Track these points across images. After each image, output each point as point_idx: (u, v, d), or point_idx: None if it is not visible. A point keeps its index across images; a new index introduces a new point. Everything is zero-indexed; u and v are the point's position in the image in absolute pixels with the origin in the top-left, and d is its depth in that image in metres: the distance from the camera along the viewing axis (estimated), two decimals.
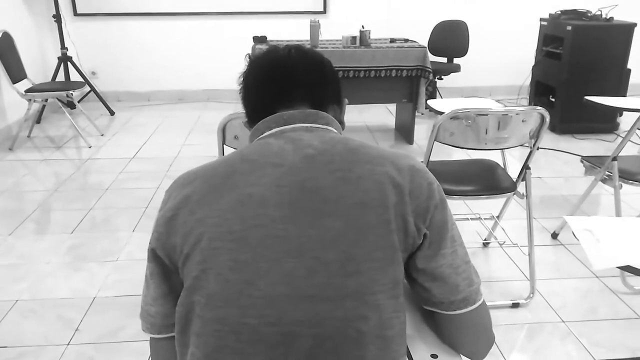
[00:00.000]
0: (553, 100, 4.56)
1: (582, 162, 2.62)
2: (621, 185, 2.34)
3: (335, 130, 0.92)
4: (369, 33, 3.97)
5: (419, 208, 0.82)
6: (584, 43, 4.25)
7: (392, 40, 4.24)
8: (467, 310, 0.86)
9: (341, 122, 0.98)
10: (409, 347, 0.87)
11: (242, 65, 0.97)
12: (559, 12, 4.54)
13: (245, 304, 0.75)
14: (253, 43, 4.26)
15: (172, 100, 5.73)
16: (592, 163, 2.52)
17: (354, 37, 3.95)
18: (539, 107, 2.05)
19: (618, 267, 1.18)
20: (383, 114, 5.24)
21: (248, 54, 0.97)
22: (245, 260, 0.76)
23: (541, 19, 4.70)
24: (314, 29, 3.93)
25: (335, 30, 4.74)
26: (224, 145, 2.06)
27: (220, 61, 5.52)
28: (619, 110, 3.49)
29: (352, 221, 0.77)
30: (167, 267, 0.84)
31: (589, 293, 2.28)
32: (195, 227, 0.79)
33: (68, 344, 1.98)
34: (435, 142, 2.09)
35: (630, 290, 2.24)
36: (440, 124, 2.02)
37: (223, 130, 2.00)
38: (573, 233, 1.34)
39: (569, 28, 4.24)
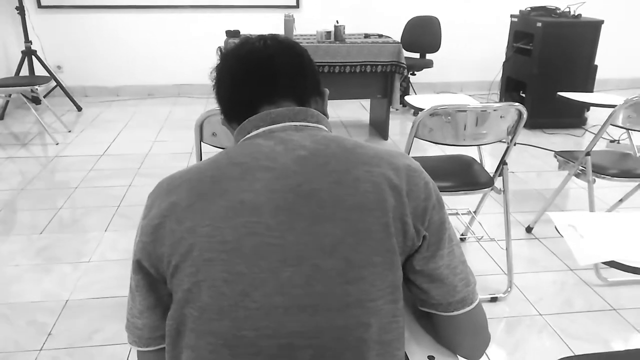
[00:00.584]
0: (523, 95, 4.64)
1: (555, 157, 2.67)
2: (594, 180, 2.38)
3: (326, 128, 0.88)
4: (344, 28, 3.95)
5: (417, 209, 0.80)
6: (554, 39, 4.33)
7: (367, 36, 4.23)
8: (465, 310, 0.85)
9: (324, 114, 0.93)
10: (406, 350, 0.85)
11: (214, 60, 0.92)
12: (529, 9, 4.61)
13: (241, 316, 0.72)
14: (226, 37, 4.20)
15: (142, 96, 5.60)
16: (566, 158, 2.56)
17: (329, 32, 3.93)
18: (516, 104, 2.07)
19: (603, 263, 1.20)
20: (357, 110, 5.23)
21: (219, 47, 0.92)
22: (240, 271, 0.72)
23: (511, 16, 4.77)
24: (288, 23, 3.89)
25: (308, 25, 4.70)
26: (202, 143, 2.01)
27: (191, 55, 5.42)
28: (589, 106, 3.56)
29: (350, 226, 0.75)
30: (153, 278, 0.80)
31: (564, 286, 2.32)
32: (184, 237, 0.75)
33: (41, 350, 1.91)
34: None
35: (604, 283, 2.28)
36: (420, 120, 2.02)
37: (200, 127, 1.95)
38: (556, 228, 1.35)
39: (539, 24, 4.31)
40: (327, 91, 0.95)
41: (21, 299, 2.20)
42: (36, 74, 5.01)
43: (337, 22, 4.00)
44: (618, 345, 1.97)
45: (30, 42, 4.93)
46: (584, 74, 4.44)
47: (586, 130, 4.53)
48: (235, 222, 0.74)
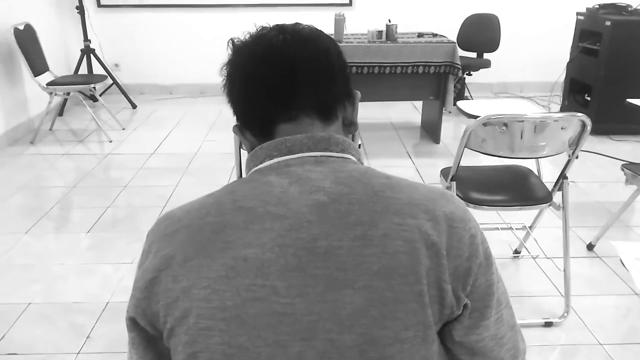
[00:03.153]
0: (589, 98, 4.35)
1: (622, 169, 2.45)
2: None
3: (353, 158, 0.74)
4: (396, 27, 3.82)
5: (458, 270, 0.66)
6: (624, 39, 4.02)
7: (420, 35, 4.08)
8: None
9: (353, 124, 0.79)
10: None
11: (221, 70, 0.82)
12: (597, 7, 4.31)
13: None
14: None
15: (194, 94, 5.66)
16: (634, 171, 2.35)
17: (380, 32, 3.81)
18: (579, 114, 1.89)
19: None
20: (409, 111, 5.08)
21: (231, 38, 0.79)
22: (241, 344, 0.62)
23: (578, 13, 4.47)
24: (339, 22, 3.80)
25: (361, 24, 4.59)
26: (241, 149, 1.96)
27: None
28: None
29: (375, 294, 0.62)
30: (150, 335, 0.71)
31: (629, 312, 2.12)
32: (180, 298, 0.65)
33: (78, 353, 1.92)
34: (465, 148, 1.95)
35: None
36: (471, 130, 1.89)
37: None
38: (622, 262, 1.21)
39: (608, 23, 4.02)
40: (358, 94, 0.80)
41: (63, 298, 2.23)
42: (94, 72, 5.16)
43: (389, 21, 3.87)
44: None
45: (89, 40, 5.07)
46: None
47: None
48: (237, 284, 0.63)
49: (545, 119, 1.90)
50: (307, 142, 0.72)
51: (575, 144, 1.97)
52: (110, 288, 2.30)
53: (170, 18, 5.40)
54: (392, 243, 0.63)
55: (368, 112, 4.86)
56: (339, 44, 0.75)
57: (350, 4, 5.27)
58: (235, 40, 0.78)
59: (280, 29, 0.75)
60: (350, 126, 0.78)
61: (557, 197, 2.12)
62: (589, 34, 4.30)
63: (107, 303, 2.20)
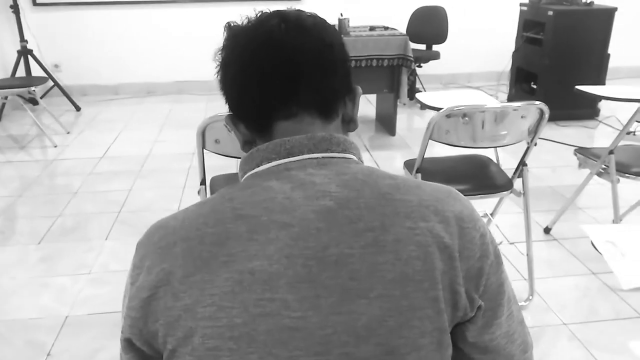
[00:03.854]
0: (535, 86, 4.50)
1: (575, 154, 2.55)
2: (619, 180, 2.26)
3: (355, 158, 0.70)
4: (348, 21, 3.82)
5: (470, 271, 0.64)
6: (566, 28, 4.18)
7: (372, 28, 4.10)
8: None
9: (352, 121, 0.75)
10: None
11: (215, 55, 0.77)
12: None
13: None
14: None
15: (141, 94, 5.48)
16: (587, 155, 2.44)
17: (333, 26, 3.79)
18: (537, 102, 1.95)
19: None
20: (363, 105, 5.10)
21: (228, 22, 0.73)
22: None
23: (521, 4, 4.62)
24: None
25: None
26: (204, 150, 1.90)
27: (191, 51, 5.29)
28: (614, 100, 3.42)
29: (391, 303, 0.59)
30: (147, 355, 0.66)
31: (588, 292, 2.21)
32: (182, 317, 0.60)
33: None
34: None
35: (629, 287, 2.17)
36: (435, 122, 1.90)
37: (202, 134, 1.83)
38: (593, 245, 1.24)
39: (550, 13, 4.16)
40: (359, 90, 0.75)
41: (18, 315, 2.11)
42: (33, 74, 4.90)
43: (341, 14, 3.86)
44: None
45: (26, 41, 4.81)
46: (597, 64, 4.30)
47: (600, 121, 4.39)
48: (245, 299, 0.59)
49: (505, 109, 1.93)
50: (307, 144, 0.67)
51: (534, 132, 2.02)
52: (68, 301, 2.19)
53: (112, 15, 5.19)
54: (405, 249, 0.61)
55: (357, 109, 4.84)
56: (316, 17, 0.72)
57: None
58: (232, 24, 0.72)
59: (282, 17, 0.70)
60: (349, 123, 0.74)
61: (516, 183, 2.18)
62: (533, 24, 4.45)
63: (67, 317, 2.09)
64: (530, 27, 4.47)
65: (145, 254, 0.66)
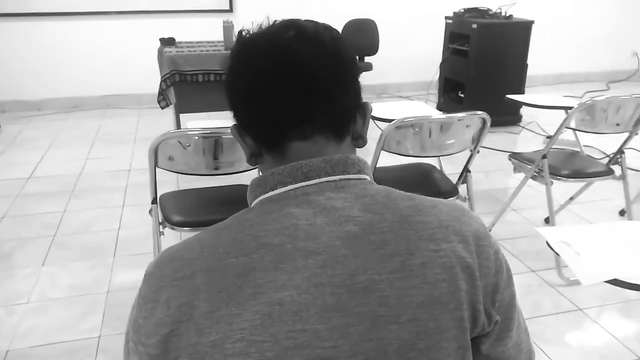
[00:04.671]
0: (462, 95, 4.72)
1: (510, 159, 2.70)
2: (552, 182, 2.42)
3: (369, 178, 0.70)
4: None
5: (487, 287, 0.66)
6: (489, 40, 4.44)
7: None
8: None
9: (361, 138, 0.72)
10: None
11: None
12: (463, 11, 4.70)
13: None
14: (160, 45, 3.97)
15: (67, 109, 5.21)
16: (521, 160, 2.59)
17: None
18: (479, 112, 2.05)
19: (606, 282, 1.17)
20: None
21: (240, 30, 0.71)
22: None
23: (446, 17, 4.84)
24: (228, 30, 3.73)
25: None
26: (157, 168, 1.84)
27: (121, 64, 5.11)
28: (539, 107, 3.65)
29: (421, 327, 0.60)
30: None
31: (530, 288, 2.35)
32: (209, 353, 0.57)
33: None
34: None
35: (567, 282, 2.33)
36: (387, 133, 1.96)
37: (155, 152, 1.78)
38: (549, 245, 1.33)
39: (475, 26, 4.40)
40: (369, 106, 0.73)
41: None
42: None
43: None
44: (590, 346, 2.00)
45: None
46: (517, 73, 4.59)
47: (523, 127, 4.68)
48: (275, 332, 0.57)
49: (450, 119, 2.03)
50: (325, 167, 0.66)
51: (476, 140, 2.13)
52: (7, 334, 2.04)
53: (36, 27, 4.91)
54: (431, 272, 0.62)
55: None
56: (331, 29, 0.71)
57: (230, 10, 5.20)
58: (244, 33, 0.70)
59: (298, 29, 0.67)
60: (358, 140, 0.72)
61: (461, 189, 2.28)
62: (458, 36, 4.68)
63: (7, 352, 1.95)
64: (456, 39, 4.70)
65: (159, 286, 0.62)
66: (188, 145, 1.75)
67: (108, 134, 4.49)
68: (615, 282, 1.16)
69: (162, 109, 3.80)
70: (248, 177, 2.32)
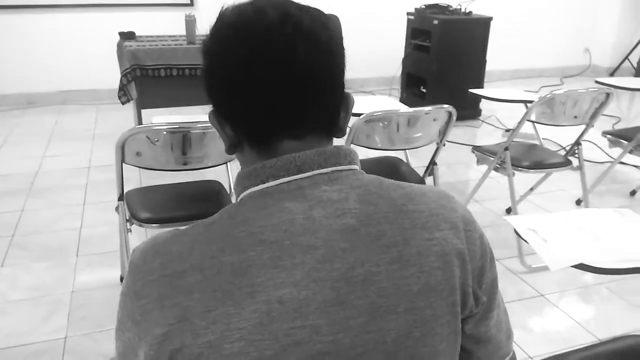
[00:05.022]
0: (424, 90, 4.80)
1: (473, 152, 2.77)
2: (514, 173, 2.50)
3: (358, 168, 0.69)
4: None
5: (475, 270, 0.67)
6: (450, 36, 4.52)
7: None
8: None
9: (341, 130, 0.70)
10: None
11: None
12: (424, 7, 4.77)
13: None
14: (119, 39, 3.87)
15: (21, 105, 5.02)
16: (484, 153, 2.66)
17: None
18: (446, 105, 2.10)
19: (573, 266, 1.22)
20: None
21: (225, 9, 0.65)
22: None
23: (408, 13, 4.91)
24: (190, 24, 3.67)
25: (204, 24, 4.48)
26: (123, 164, 1.80)
27: (78, 59, 4.95)
28: (494, 101, 3.75)
29: (417, 315, 0.61)
30: None
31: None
32: (204, 354, 0.56)
33: None
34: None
35: (529, 270, 2.41)
36: (356, 127, 1.97)
37: (122, 148, 1.74)
38: (517, 233, 1.37)
39: (436, 22, 4.48)
40: (352, 98, 0.70)
41: None
42: None
43: None
44: (553, 331, 2.08)
45: None
46: (478, 68, 4.70)
47: (482, 121, 4.80)
48: (275, 330, 0.56)
49: (417, 113, 2.06)
50: (318, 159, 0.64)
51: (442, 133, 2.17)
52: None
53: None
54: (427, 260, 0.63)
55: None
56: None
57: (191, 4, 5.11)
58: (228, 14, 0.64)
59: (283, 12, 0.62)
60: (338, 132, 0.71)
61: (428, 181, 2.33)
62: (420, 32, 4.75)
63: None
64: (418, 35, 4.77)
65: (147, 280, 0.60)
66: (156, 141, 1.72)
67: (65, 131, 4.36)
68: (581, 266, 1.21)
69: (122, 104, 3.72)
70: (215, 172, 2.30)
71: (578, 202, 3.14)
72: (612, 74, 6.74)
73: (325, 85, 0.65)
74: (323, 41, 0.64)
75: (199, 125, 1.81)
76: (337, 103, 0.68)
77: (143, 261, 0.62)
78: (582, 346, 1.11)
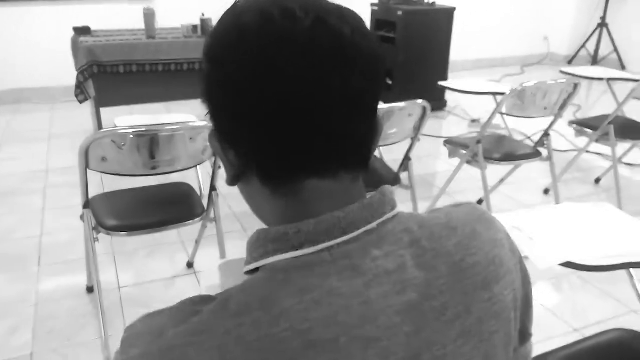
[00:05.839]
0: (391, 82, 4.79)
1: (445, 145, 2.76)
2: (487, 166, 2.50)
3: (397, 209, 0.56)
4: (211, 21, 3.70)
5: (521, 301, 0.61)
6: (415, 27, 4.51)
7: None
8: None
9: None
10: None
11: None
12: None
13: None
14: (74, 34, 3.69)
15: None
16: (456, 145, 2.66)
17: (195, 26, 3.65)
18: (420, 100, 2.07)
19: (560, 265, 1.21)
20: None
21: (236, 2, 0.53)
22: None
23: (372, 4, 4.87)
24: (149, 17, 3.53)
25: (165, 18, 4.33)
26: (88, 170, 1.70)
27: (30, 56, 4.71)
28: (466, 94, 3.78)
29: None
30: None
31: None
32: None
33: None
34: None
35: None
36: None
37: (86, 153, 1.64)
38: None
39: (400, 13, 4.46)
40: (382, 124, 0.57)
41: None
42: None
43: (202, 14, 3.72)
44: None
45: None
46: (442, 59, 4.71)
47: (449, 112, 4.82)
48: None
49: (392, 108, 2.03)
50: (365, 215, 0.51)
51: (417, 128, 2.15)
52: None
53: None
54: (487, 326, 0.54)
55: (197, 109, 4.64)
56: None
57: None
58: (241, 11, 0.51)
59: (318, 17, 0.50)
60: (367, 166, 0.58)
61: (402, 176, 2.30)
62: (384, 23, 4.72)
63: None
64: (383, 26, 4.74)
65: None
66: (123, 145, 1.63)
67: (19, 132, 4.15)
68: (568, 264, 1.20)
69: (80, 103, 3.55)
70: (183, 176, 2.21)
71: (546, 192, 3.19)
72: (570, 62, 6.90)
73: (365, 109, 0.52)
74: (364, 59, 0.51)
75: (167, 128, 1.72)
76: (372, 130, 0.54)
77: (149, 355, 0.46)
78: (558, 336, 1.10)
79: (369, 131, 0.53)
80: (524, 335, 0.63)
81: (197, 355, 0.44)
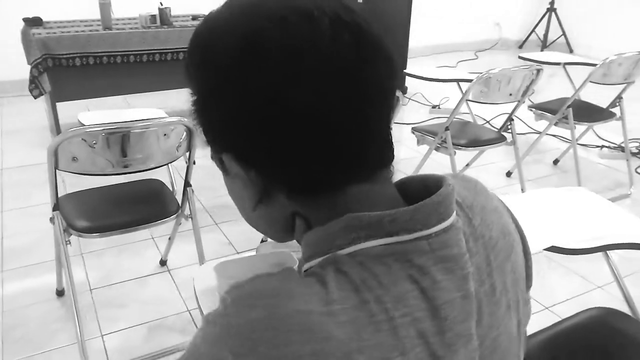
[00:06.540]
0: None
1: (413, 132, 2.79)
2: (455, 152, 2.55)
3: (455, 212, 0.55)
4: (170, 10, 3.59)
5: (526, 255, 0.64)
6: (375, 14, 4.51)
7: (194, 18, 3.92)
8: None
9: None
10: None
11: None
12: None
13: None
14: (24, 26, 3.51)
15: None
16: (424, 133, 2.69)
17: (154, 16, 3.53)
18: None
19: (545, 249, 1.25)
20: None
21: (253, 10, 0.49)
22: None
23: None
24: (105, 8, 3.39)
25: (121, 7, 4.18)
26: (57, 171, 1.63)
27: None
28: (434, 81, 3.80)
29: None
30: None
31: None
32: None
33: None
34: None
35: None
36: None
37: (55, 153, 1.57)
38: None
39: (360, 1, 4.45)
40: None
41: None
42: None
43: (161, 4, 3.61)
44: None
45: None
46: (402, 45, 4.75)
47: (409, 98, 4.88)
48: None
49: None
50: (432, 212, 0.48)
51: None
52: None
53: None
54: (513, 294, 0.58)
55: (157, 101, 4.51)
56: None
57: None
58: (262, 23, 0.45)
59: (330, 19, 0.46)
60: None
61: None
62: None
63: None
64: None
65: None
66: (95, 144, 1.57)
67: None
68: (553, 248, 1.24)
69: (35, 98, 3.40)
70: (152, 171, 2.14)
71: (508, 174, 3.28)
72: (521, 47, 7.09)
73: (389, 107, 0.51)
74: (377, 43, 0.49)
75: (139, 124, 1.67)
76: (390, 126, 0.53)
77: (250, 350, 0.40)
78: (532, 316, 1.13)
79: (389, 126, 0.52)
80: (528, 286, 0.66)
81: (335, 327, 0.41)
